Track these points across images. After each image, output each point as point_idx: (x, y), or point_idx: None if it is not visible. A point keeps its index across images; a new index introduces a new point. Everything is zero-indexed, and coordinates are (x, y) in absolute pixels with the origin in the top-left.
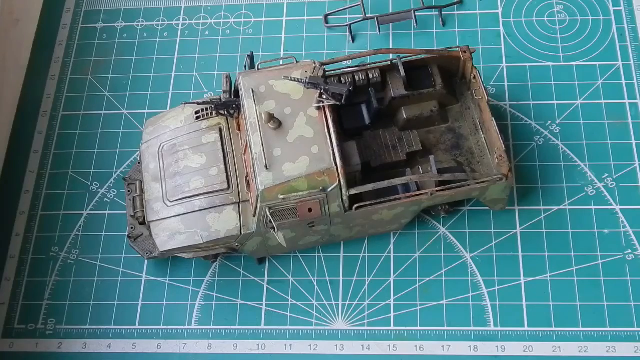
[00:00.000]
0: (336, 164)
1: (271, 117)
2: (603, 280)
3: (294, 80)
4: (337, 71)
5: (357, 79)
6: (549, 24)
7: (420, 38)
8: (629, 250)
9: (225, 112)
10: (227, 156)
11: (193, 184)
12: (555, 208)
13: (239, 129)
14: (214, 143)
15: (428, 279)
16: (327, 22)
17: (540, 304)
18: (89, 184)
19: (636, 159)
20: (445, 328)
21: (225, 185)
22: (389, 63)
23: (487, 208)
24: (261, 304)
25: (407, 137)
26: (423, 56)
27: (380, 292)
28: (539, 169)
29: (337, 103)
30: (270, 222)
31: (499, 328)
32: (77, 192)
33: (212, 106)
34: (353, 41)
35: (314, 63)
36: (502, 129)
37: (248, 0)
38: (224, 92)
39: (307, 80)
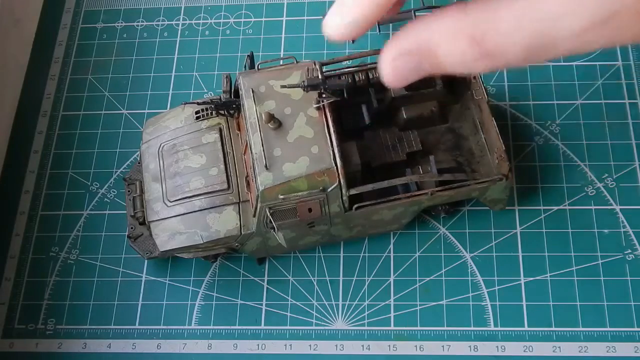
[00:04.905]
0: (336, 164)
1: (271, 117)
2: (603, 280)
3: (292, 87)
4: (337, 71)
5: (357, 79)
6: None
7: None
8: (629, 250)
9: (225, 112)
10: (227, 156)
11: (193, 184)
12: (555, 208)
13: (239, 129)
14: (214, 143)
15: (428, 279)
16: None
17: (540, 304)
18: (89, 184)
19: (636, 159)
20: (445, 328)
21: (225, 185)
22: None
23: (487, 208)
24: (261, 304)
25: (407, 137)
26: None
27: (380, 292)
28: (539, 169)
29: (338, 99)
30: (270, 222)
31: (499, 328)
32: (77, 192)
33: (212, 106)
34: (353, 41)
35: (314, 63)
36: (502, 129)
37: (248, 0)
38: (224, 92)
39: (306, 84)
